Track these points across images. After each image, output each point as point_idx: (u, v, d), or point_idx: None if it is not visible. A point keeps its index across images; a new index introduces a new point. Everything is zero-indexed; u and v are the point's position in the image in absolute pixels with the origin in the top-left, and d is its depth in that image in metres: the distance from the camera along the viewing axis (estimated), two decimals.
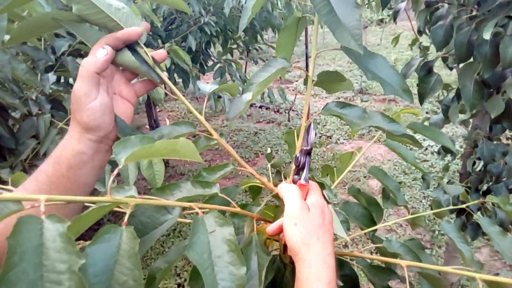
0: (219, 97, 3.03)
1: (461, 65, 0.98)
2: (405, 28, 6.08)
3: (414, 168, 3.42)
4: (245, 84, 0.61)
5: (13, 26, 1.27)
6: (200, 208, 0.46)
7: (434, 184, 1.98)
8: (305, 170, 0.54)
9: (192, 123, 0.61)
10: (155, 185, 1.18)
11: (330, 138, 4.20)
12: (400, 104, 5.07)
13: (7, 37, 1.00)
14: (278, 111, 5.09)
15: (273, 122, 4.76)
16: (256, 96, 0.60)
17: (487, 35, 0.81)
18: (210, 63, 3.31)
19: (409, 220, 0.79)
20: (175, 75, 2.77)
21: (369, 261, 0.69)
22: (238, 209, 0.56)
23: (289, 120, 4.67)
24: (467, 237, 1.61)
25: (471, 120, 1.62)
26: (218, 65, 3.14)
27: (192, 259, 0.40)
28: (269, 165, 0.80)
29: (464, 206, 0.87)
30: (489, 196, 0.78)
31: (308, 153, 0.56)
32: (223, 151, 4.09)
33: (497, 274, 2.21)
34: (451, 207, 0.88)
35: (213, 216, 0.45)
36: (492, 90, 1.15)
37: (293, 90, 5.74)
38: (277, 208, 0.68)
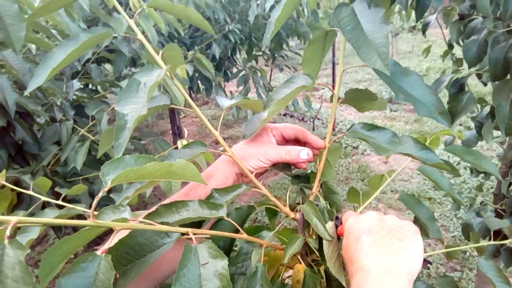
0: None
1: (496, 82, 0.89)
2: (438, 36, 5.86)
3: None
4: (267, 97, 0.59)
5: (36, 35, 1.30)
6: (195, 234, 0.43)
7: (466, 203, 1.85)
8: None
9: (203, 143, 0.58)
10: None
11: (357, 148, 4.08)
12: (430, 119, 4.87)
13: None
14: (303, 119, 5.01)
15: None
16: (272, 115, 0.57)
17: None
18: (234, 70, 3.30)
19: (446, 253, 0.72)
20: (199, 82, 2.77)
21: None
22: (245, 236, 0.53)
23: (313, 129, 4.58)
24: (500, 263, 1.49)
25: (507, 138, 1.50)
26: (242, 72, 3.12)
27: None
28: (288, 193, 0.73)
29: (507, 241, 0.78)
30: None
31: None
32: None
33: None
34: (492, 242, 0.80)
35: (207, 246, 0.42)
36: None
37: (319, 98, 5.64)
38: (293, 232, 0.63)
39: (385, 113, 5.03)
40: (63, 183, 1.91)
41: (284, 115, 5.28)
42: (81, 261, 0.35)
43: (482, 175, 1.64)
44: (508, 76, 0.88)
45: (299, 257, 0.60)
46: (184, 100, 0.66)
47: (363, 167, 3.66)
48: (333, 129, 4.14)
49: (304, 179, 0.66)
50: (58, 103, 1.59)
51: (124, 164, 0.42)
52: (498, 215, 1.54)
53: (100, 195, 0.38)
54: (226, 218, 0.50)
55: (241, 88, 3.07)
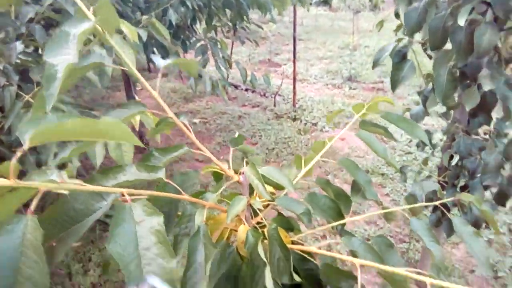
0: (200, 76, 2.92)
1: (437, 53, 0.91)
2: None
3: (397, 159, 3.39)
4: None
5: None
6: (131, 195, 0.42)
7: (414, 178, 1.94)
8: None
9: (142, 103, 0.55)
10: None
11: (316, 125, 4.14)
12: (388, 93, 5.02)
13: None
14: (264, 95, 5.00)
15: (258, 106, 4.67)
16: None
17: (461, 21, 0.75)
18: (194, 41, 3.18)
19: (384, 214, 0.74)
20: (155, 50, 2.65)
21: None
22: (186, 197, 0.52)
23: (274, 105, 4.59)
24: (442, 234, 1.58)
25: (452, 113, 1.57)
26: (201, 42, 3.01)
27: (114, 253, 0.36)
28: (231, 150, 0.73)
29: (437, 203, 0.81)
30: (464, 194, 0.73)
31: None
32: (205, 134, 4.00)
33: (472, 271, 2.21)
34: (423, 203, 0.83)
35: (141, 204, 0.41)
36: (469, 81, 1.09)
37: (281, 74, 5.63)
38: (236, 197, 0.64)
39: (344, 91, 5.12)
40: (8, 153, 1.78)
41: (246, 90, 5.24)
42: (7, 224, 0.34)
43: (428, 151, 1.71)
44: (449, 47, 0.90)
45: (244, 219, 0.60)
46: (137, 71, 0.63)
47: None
48: (294, 106, 4.15)
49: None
50: (1, 67, 1.47)
51: (46, 122, 0.39)
52: (442, 187, 1.62)
53: (18, 154, 0.36)
54: (165, 180, 0.49)
55: (199, 58, 2.98)
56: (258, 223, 0.66)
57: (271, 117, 4.29)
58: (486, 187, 1.39)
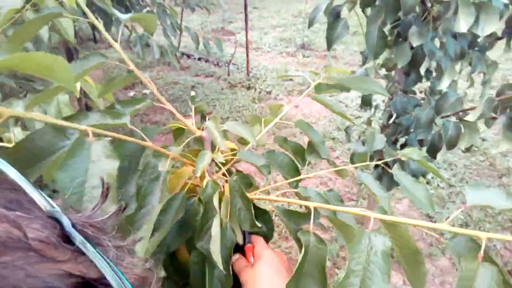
0: (147, 45, 2.80)
1: (370, 11, 0.94)
2: None
3: (347, 124, 3.51)
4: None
5: None
6: (96, 135, 0.41)
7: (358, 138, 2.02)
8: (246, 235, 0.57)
9: (103, 55, 0.53)
10: None
11: (270, 93, 4.16)
12: (340, 60, 5.12)
13: None
14: (217, 64, 4.91)
15: (212, 76, 4.59)
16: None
17: None
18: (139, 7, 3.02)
19: (337, 172, 0.77)
20: (95, 15, 2.48)
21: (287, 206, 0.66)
22: (151, 144, 0.51)
23: (228, 75, 4.53)
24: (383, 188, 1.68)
25: (393, 74, 1.63)
26: (146, 9, 2.87)
27: (59, 181, 0.36)
28: (192, 107, 0.73)
29: (380, 162, 0.85)
30: (403, 150, 0.75)
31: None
32: (155, 106, 3.89)
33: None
34: (369, 162, 0.87)
35: (102, 145, 0.40)
36: (401, 39, 1.13)
37: (234, 42, 5.53)
38: (200, 152, 0.64)
39: (298, 59, 5.14)
40: None
41: (199, 59, 5.11)
42: None
43: (371, 112, 1.78)
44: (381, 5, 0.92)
45: (207, 174, 0.61)
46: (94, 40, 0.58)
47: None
48: (248, 74, 4.11)
49: None
50: None
51: None
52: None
53: None
54: (130, 126, 0.49)
55: None
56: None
57: (225, 87, 4.24)
58: (420, 142, 1.48)
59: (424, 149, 1.41)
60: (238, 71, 4.66)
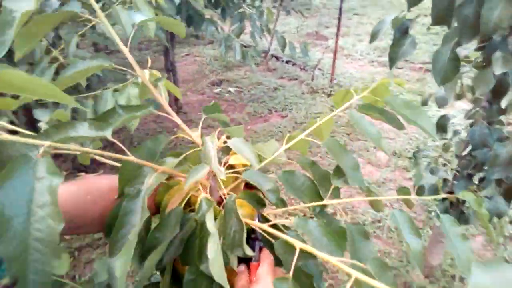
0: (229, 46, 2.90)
1: (444, 29, 0.84)
2: None
3: (430, 144, 3.21)
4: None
5: None
6: (57, 149, 0.41)
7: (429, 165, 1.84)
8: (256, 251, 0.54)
9: (107, 57, 0.55)
10: (130, 127, 1.13)
11: None
12: None
13: None
14: (304, 68, 4.88)
15: (296, 79, 4.58)
16: None
17: None
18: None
19: (370, 202, 0.67)
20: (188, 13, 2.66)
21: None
22: (130, 158, 0.50)
23: (312, 80, 4.48)
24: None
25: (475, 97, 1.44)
26: (241, 9, 2.97)
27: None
28: (202, 117, 0.69)
29: (439, 196, 0.75)
30: (465, 192, 0.64)
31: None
32: (238, 103, 4.03)
33: None
34: (424, 197, 0.78)
35: (46, 161, 0.39)
36: (484, 63, 0.99)
37: (325, 48, 5.43)
38: (202, 164, 0.61)
39: (389, 70, 4.85)
40: (35, 104, 1.94)
41: (287, 62, 5.14)
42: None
43: (447, 137, 1.60)
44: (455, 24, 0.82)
45: (208, 190, 0.57)
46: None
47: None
48: (331, 81, 4.00)
49: None
50: None
51: None
52: (455, 177, 1.53)
53: None
54: (110, 139, 0.47)
55: (236, 25, 2.94)
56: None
57: (306, 91, 4.20)
58: (499, 182, 1.29)
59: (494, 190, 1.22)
60: (322, 77, 4.58)
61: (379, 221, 2.41)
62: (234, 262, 0.53)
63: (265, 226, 0.54)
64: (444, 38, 0.89)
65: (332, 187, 0.63)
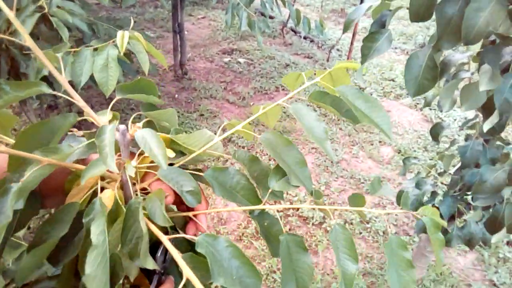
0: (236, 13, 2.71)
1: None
2: None
3: (440, 145, 3.01)
4: None
5: None
6: None
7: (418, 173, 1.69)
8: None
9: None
10: (106, 91, 1.06)
11: (363, 90, 3.79)
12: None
13: None
14: (321, 47, 4.63)
15: (311, 57, 4.36)
16: None
17: None
18: None
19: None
20: None
21: None
22: (4, 149, 0.42)
23: (328, 60, 4.25)
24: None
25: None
26: None
27: None
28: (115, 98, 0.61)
29: (386, 212, 0.63)
30: (427, 208, 0.51)
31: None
32: (245, 76, 3.86)
33: (469, 286, 1.97)
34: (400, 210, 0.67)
35: None
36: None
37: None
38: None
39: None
40: (19, 54, 1.85)
41: (305, 38, 4.89)
42: None
43: (444, 146, 1.44)
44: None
45: (118, 183, 0.49)
46: None
47: None
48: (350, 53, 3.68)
49: None
50: None
51: None
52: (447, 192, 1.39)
53: None
54: None
55: None
56: (143, 189, 0.54)
57: None
58: (486, 208, 1.15)
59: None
60: (339, 58, 4.34)
61: (368, 222, 2.29)
62: (133, 272, 0.45)
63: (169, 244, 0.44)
64: (431, 39, 0.73)
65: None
